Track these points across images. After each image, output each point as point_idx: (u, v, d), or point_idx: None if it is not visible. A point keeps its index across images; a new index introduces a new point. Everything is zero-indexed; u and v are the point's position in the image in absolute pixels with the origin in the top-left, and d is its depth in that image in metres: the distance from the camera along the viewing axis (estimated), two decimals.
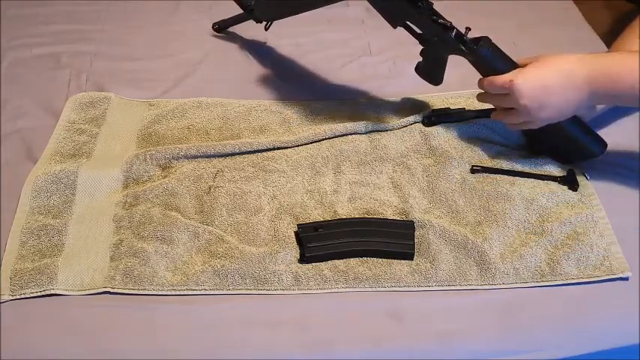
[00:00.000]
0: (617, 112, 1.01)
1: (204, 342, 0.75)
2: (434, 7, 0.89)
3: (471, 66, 0.91)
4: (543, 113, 0.84)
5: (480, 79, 0.89)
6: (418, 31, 0.93)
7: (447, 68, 0.97)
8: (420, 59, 0.98)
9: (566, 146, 0.93)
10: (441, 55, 0.95)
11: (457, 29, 0.90)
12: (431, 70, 0.99)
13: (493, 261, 0.82)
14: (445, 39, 0.90)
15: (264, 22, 1.12)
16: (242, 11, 1.14)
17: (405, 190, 0.91)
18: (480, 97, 0.91)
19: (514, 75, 0.83)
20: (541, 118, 0.85)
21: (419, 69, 1.00)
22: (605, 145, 0.93)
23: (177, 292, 0.79)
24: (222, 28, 1.24)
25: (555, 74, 0.82)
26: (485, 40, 0.89)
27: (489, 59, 0.88)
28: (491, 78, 0.86)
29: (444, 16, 0.89)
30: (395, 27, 0.92)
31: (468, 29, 0.89)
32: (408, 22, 0.92)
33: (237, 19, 1.19)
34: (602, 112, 0.97)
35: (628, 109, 1.03)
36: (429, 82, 1.00)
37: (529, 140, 0.98)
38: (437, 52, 0.95)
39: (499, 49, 0.88)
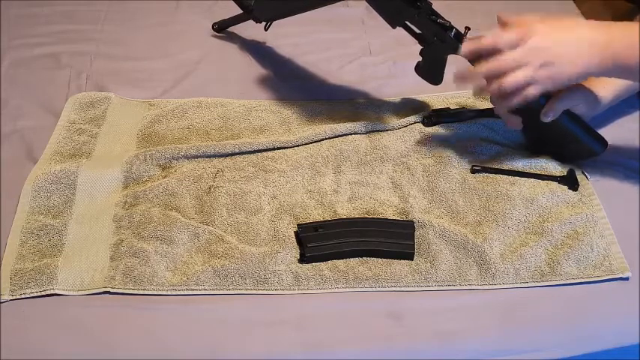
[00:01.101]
0: (617, 111, 1.01)
1: (204, 342, 0.75)
2: (433, 6, 0.89)
3: None
4: (547, 70, 0.78)
5: (482, 38, 0.81)
6: (417, 31, 0.93)
7: (446, 68, 0.97)
8: (420, 59, 0.98)
9: (567, 145, 0.93)
10: (440, 55, 0.95)
11: (456, 29, 0.90)
12: (431, 70, 0.99)
13: (493, 261, 0.82)
14: (444, 39, 0.90)
15: (264, 22, 1.12)
16: (242, 11, 1.14)
17: (405, 190, 0.91)
18: (474, 70, 0.83)
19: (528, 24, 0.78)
20: (545, 75, 0.78)
21: (419, 69, 1.00)
22: (605, 143, 0.93)
23: (177, 292, 0.79)
24: (221, 28, 1.24)
25: (569, 32, 0.78)
26: None
27: None
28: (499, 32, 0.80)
29: (443, 16, 0.89)
30: (394, 27, 0.92)
31: (468, 29, 0.89)
32: (407, 23, 0.92)
33: (236, 19, 1.19)
34: (602, 111, 0.97)
35: (628, 109, 1.03)
36: (429, 82, 1.00)
37: (529, 140, 0.98)
38: (436, 52, 0.95)
39: None
